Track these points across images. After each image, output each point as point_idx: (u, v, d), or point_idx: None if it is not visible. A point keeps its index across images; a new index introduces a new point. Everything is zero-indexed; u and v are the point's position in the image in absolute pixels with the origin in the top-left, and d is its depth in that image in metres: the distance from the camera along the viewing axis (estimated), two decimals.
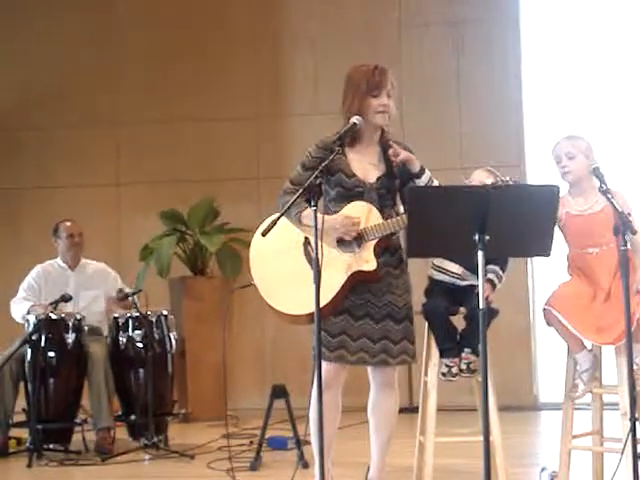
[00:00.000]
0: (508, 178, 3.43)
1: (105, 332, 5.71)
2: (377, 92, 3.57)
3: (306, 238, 3.60)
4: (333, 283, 3.52)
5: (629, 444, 3.26)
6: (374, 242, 3.56)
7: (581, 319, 3.63)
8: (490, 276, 3.79)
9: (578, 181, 3.80)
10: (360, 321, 3.59)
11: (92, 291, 5.81)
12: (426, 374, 3.89)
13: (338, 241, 3.57)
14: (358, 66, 3.66)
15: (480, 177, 3.82)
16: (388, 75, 3.61)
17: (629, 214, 3.36)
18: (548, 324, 3.77)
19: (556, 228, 3.34)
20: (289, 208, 3.41)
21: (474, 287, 3.70)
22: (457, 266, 3.87)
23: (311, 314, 3.27)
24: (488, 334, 3.05)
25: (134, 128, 7.66)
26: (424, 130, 7.08)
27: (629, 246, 3.38)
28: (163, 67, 7.65)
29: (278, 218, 3.33)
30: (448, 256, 3.80)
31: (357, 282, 3.57)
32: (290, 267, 3.61)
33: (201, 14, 7.68)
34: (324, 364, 3.48)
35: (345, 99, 3.63)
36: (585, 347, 3.74)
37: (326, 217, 3.45)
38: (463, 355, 3.79)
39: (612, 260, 3.65)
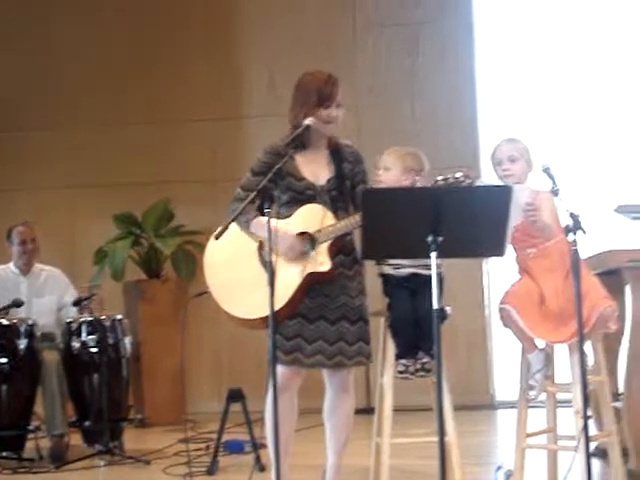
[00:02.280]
0: (460, 174, 3.35)
1: (58, 337, 5.63)
2: (328, 103, 3.58)
3: (260, 242, 3.59)
4: (288, 286, 3.51)
5: (582, 442, 3.28)
6: (328, 244, 3.55)
7: (533, 317, 3.65)
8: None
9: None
10: (315, 323, 3.58)
11: (45, 298, 5.74)
12: (382, 375, 3.88)
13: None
14: (310, 73, 3.65)
15: (386, 163, 3.74)
16: (339, 86, 3.61)
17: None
18: (504, 325, 3.78)
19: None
20: (240, 214, 3.41)
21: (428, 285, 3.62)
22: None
23: (266, 318, 3.25)
24: (443, 334, 3.05)
25: (89, 131, 7.58)
26: (380, 131, 7.10)
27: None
28: (120, 71, 7.58)
29: (229, 223, 3.34)
30: (402, 257, 3.77)
31: (312, 284, 3.56)
32: (245, 272, 3.59)
33: (161, 18, 7.64)
34: (279, 367, 3.46)
35: (294, 105, 3.63)
36: (537, 347, 3.76)
37: (279, 225, 3.44)
38: (417, 356, 3.78)
39: (549, 258, 3.68)
